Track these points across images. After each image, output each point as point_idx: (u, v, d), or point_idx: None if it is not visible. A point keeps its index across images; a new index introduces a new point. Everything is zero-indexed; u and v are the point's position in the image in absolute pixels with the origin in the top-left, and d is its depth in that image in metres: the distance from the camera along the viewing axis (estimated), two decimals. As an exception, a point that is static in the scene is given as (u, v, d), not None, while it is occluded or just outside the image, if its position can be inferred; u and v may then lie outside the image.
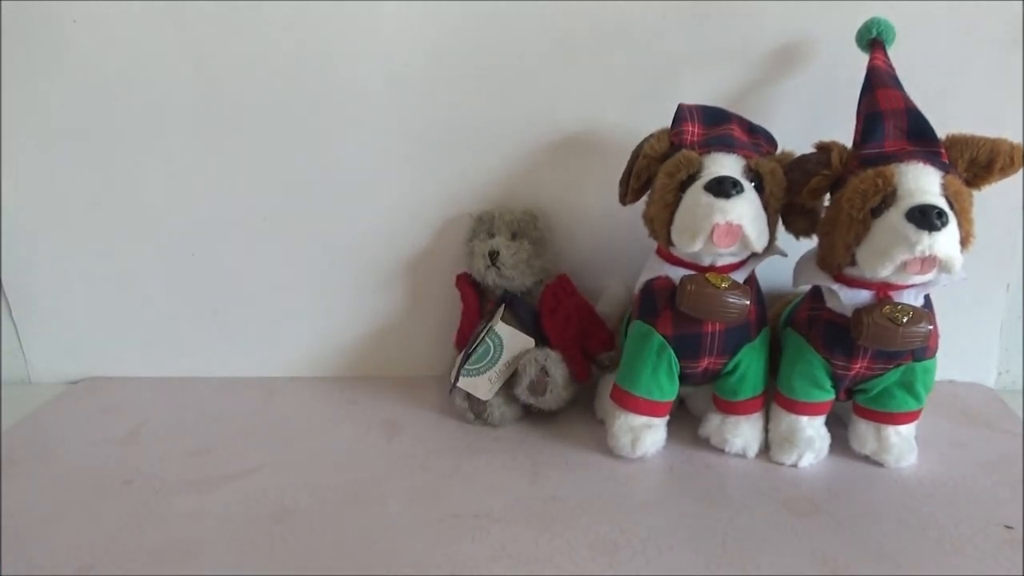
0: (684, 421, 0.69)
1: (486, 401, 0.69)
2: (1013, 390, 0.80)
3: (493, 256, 0.69)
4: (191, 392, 0.80)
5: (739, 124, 0.63)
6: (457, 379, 0.70)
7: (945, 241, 0.51)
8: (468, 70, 0.71)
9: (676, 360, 0.62)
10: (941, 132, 0.57)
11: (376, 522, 0.56)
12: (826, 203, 0.61)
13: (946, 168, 0.55)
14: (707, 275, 0.59)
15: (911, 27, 0.63)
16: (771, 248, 0.61)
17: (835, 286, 0.59)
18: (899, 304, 0.56)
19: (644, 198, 0.64)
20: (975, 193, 0.56)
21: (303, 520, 0.56)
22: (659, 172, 0.60)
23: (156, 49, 0.72)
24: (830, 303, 0.60)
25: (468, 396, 0.70)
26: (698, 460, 0.64)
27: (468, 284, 0.74)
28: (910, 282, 0.56)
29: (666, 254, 0.63)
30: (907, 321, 0.54)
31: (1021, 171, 0.57)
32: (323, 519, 0.56)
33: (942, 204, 0.52)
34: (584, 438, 0.68)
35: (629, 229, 0.68)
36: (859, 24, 0.62)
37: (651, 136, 0.63)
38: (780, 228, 0.63)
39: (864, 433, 0.63)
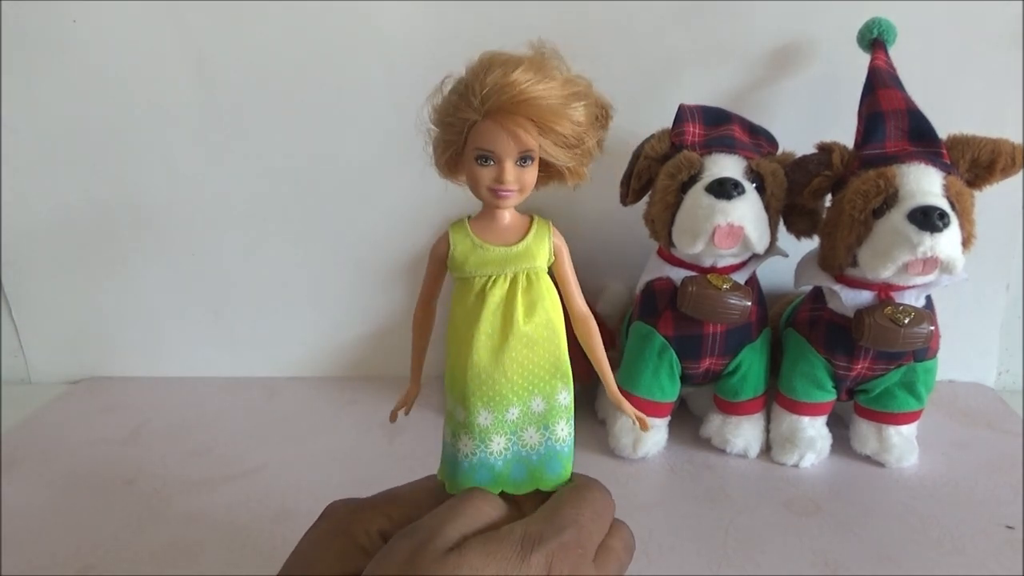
0: (685, 421, 0.69)
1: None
2: (1013, 390, 0.80)
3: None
4: (192, 392, 0.80)
5: (740, 125, 0.63)
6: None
7: (947, 242, 0.51)
8: (469, 70, 0.71)
9: (677, 361, 0.62)
10: (942, 132, 0.57)
11: (377, 522, 0.56)
12: (827, 204, 0.61)
13: (948, 169, 0.55)
14: (708, 276, 0.59)
15: (911, 27, 0.63)
16: (772, 249, 0.61)
17: (836, 287, 0.59)
18: (901, 305, 0.56)
19: (645, 199, 0.65)
20: (975, 193, 0.56)
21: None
22: (660, 173, 0.60)
23: (156, 49, 0.72)
24: (831, 304, 0.60)
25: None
26: (699, 460, 0.64)
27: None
28: (912, 283, 0.56)
29: (667, 255, 0.63)
30: (909, 322, 0.55)
31: (1022, 171, 0.57)
32: (324, 520, 0.56)
33: (944, 205, 0.52)
34: (585, 438, 0.68)
35: (629, 229, 0.68)
36: (859, 24, 0.62)
37: (652, 137, 0.63)
38: (781, 229, 0.63)
39: (865, 433, 0.63)
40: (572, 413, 0.36)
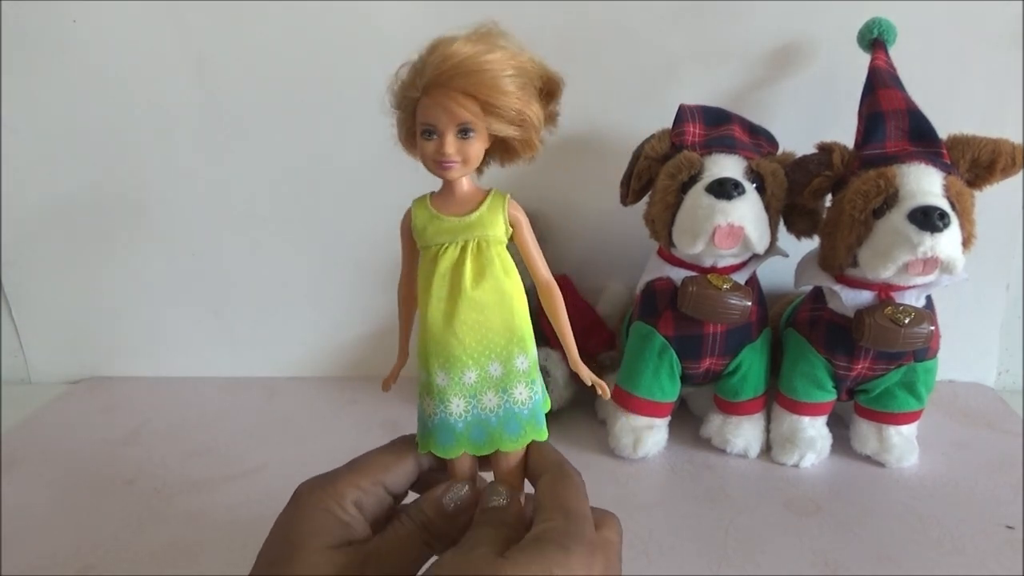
0: (685, 421, 0.69)
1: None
2: (1013, 390, 0.80)
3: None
4: (192, 392, 0.80)
5: (740, 125, 0.63)
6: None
7: (947, 242, 0.51)
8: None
9: (678, 361, 0.62)
10: (942, 132, 0.57)
11: (377, 522, 0.56)
12: (828, 204, 0.61)
13: (948, 169, 0.55)
14: (708, 276, 0.59)
15: (911, 27, 0.63)
16: (772, 249, 0.61)
17: (836, 287, 0.59)
18: (901, 305, 0.56)
19: (645, 199, 0.65)
20: (975, 193, 0.56)
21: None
22: (660, 173, 0.60)
23: (156, 49, 0.72)
24: (831, 304, 0.60)
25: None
26: (699, 460, 0.64)
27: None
28: (912, 283, 0.56)
29: (667, 255, 0.63)
30: (909, 322, 0.55)
31: (1022, 171, 0.57)
32: (324, 520, 0.56)
33: (944, 205, 0.52)
34: (585, 439, 0.68)
35: (629, 229, 0.68)
36: (859, 24, 0.62)
37: (652, 137, 0.63)
38: (781, 229, 0.63)
39: (866, 433, 0.63)
40: (534, 377, 0.37)
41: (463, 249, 0.35)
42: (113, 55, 0.72)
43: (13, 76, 0.73)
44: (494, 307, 0.36)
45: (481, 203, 0.36)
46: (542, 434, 0.37)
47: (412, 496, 0.39)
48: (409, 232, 0.37)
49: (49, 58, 0.72)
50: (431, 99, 0.33)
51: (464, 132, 0.34)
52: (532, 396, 0.37)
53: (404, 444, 0.39)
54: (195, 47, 0.72)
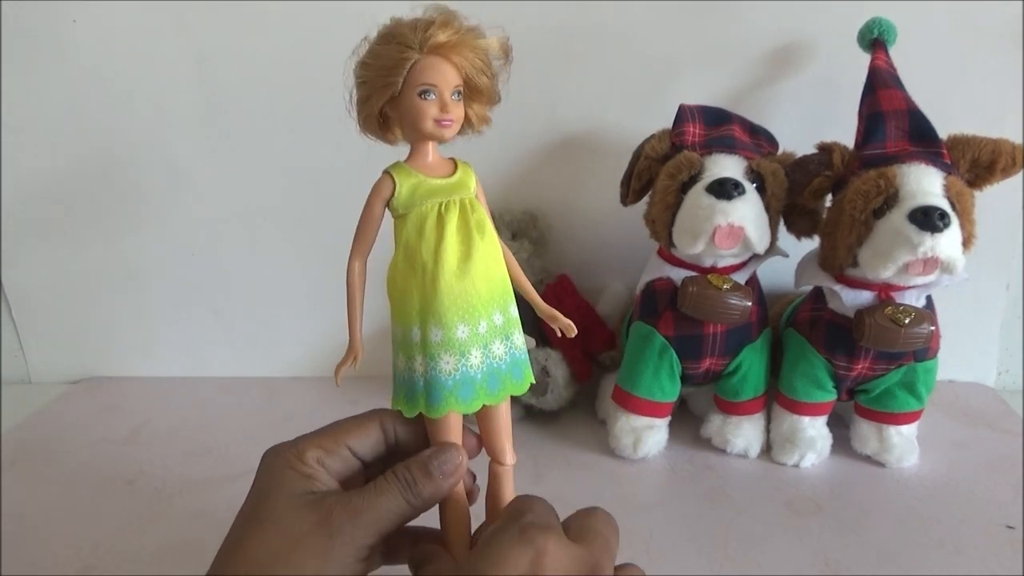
0: (685, 421, 0.69)
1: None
2: (1013, 390, 0.80)
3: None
4: (192, 392, 0.80)
5: (740, 125, 0.63)
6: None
7: (947, 242, 0.51)
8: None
9: (678, 361, 0.62)
10: (942, 132, 0.57)
11: (378, 523, 0.56)
12: (828, 204, 0.61)
13: (948, 169, 0.55)
14: (708, 276, 0.59)
15: (911, 27, 0.63)
16: (773, 249, 0.61)
17: (837, 287, 0.59)
18: (901, 305, 0.56)
19: (645, 199, 0.65)
20: (976, 193, 0.56)
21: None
22: (660, 173, 0.61)
23: (156, 49, 0.72)
24: (832, 304, 0.60)
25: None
26: (700, 460, 0.64)
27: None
28: (912, 283, 0.56)
29: (667, 255, 0.63)
30: (909, 322, 0.55)
31: (1022, 171, 0.57)
32: (324, 520, 0.56)
33: (944, 205, 0.52)
34: (585, 439, 0.68)
35: (629, 229, 0.68)
36: (859, 24, 0.62)
37: (652, 137, 0.63)
38: (781, 229, 0.63)
39: (866, 433, 0.63)
40: (519, 323, 0.40)
41: (461, 206, 0.37)
42: (113, 55, 0.72)
43: (13, 76, 0.73)
44: (495, 257, 0.38)
45: (455, 167, 0.39)
46: (531, 376, 0.40)
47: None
48: (385, 201, 0.38)
49: (49, 58, 0.72)
50: (436, 58, 0.35)
51: (456, 93, 0.36)
52: (522, 341, 0.39)
53: (372, 412, 0.41)
54: (195, 47, 0.72)
